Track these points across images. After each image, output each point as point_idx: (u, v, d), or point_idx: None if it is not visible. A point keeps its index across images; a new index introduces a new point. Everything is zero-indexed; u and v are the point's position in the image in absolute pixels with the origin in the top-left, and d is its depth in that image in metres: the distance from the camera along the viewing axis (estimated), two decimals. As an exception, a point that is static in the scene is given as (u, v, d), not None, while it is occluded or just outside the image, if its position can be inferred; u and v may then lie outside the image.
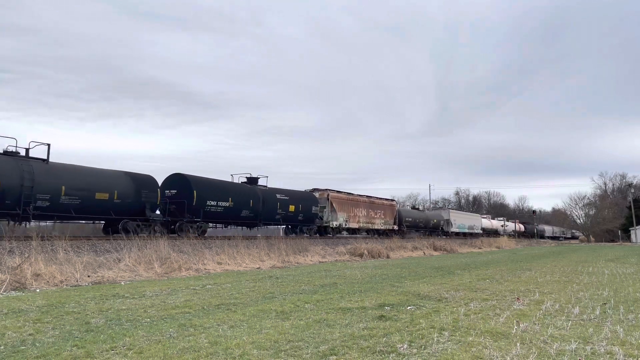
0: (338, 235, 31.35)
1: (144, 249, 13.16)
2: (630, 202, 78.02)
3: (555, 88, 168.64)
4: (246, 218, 23.18)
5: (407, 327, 5.26)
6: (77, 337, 4.80)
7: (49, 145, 15.50)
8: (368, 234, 34.57)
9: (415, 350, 4.23)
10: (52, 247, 12.02)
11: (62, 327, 5.29)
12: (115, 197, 16.94)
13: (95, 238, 15.60)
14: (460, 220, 53.21)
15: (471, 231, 54.94)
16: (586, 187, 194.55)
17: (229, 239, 19.12)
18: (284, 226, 27.99)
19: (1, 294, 8.17)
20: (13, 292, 8.51)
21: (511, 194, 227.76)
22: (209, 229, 22.73)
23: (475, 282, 10.15)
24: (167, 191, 20.27)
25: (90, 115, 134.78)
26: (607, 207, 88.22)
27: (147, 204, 18.19)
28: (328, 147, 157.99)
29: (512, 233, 70.05)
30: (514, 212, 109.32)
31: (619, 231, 79.29)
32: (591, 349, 4.36)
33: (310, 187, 31.26)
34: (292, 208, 25.95)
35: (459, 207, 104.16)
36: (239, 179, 25.08)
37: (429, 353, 4.15)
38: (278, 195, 25.31)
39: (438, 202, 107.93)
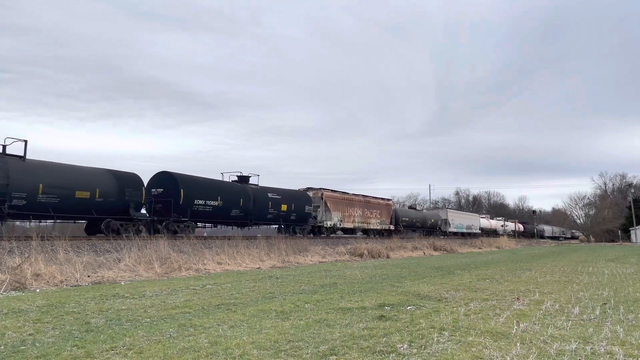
0: (332, 235, 30.70)
1: (144, 249, 13.16)
2: (630, 202, 78.03)
3: (555, 88, 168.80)
4: (236, 217, 22.62)
5: (407, 327, 5.26)
6: (77, 337, 4.80)
7: (25, 141, 14.99)
8: (364, 233, 34.16)
9: (415, 350, 4.23)
10: (52, 247, 12.03)
11: (62, 327, 5.30)
12: (97, 196, 16.33)
13: (96, 238, 15.59)
14: (458, 220, 52.93)
15: (469, 231, 54.66)
16: (586, 187, 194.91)
17: (229, 239, 19.12)
18: (277, 226, 27.38)
19: (1, 294, 8.17)
20: (13, 292, 8.51)
21: (511, 194, 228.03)
22: (197, 229, 22.17)
23: (475, 282, 10.15)
24: (154, 190, 19.68)
25: (90, 115, 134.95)
26: (607, 207, 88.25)
27: (131, 203, 17.62)
28: (328, 147, 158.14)
29: (511, 233, 69.92)
30: (514, 212, 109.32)
31: (619, 231, 79.29)
32: (591, 349, 4.36)
33: (307, 187, 30.71)
34: (284, 207, 25.37)
35: (459, 207, 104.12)
36: (230, 177, 24.50)
37: (429, 353, 4.15)
38: (270, 194, 24.75)
39: (438, 202, 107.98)
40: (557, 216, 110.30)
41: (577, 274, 12.71)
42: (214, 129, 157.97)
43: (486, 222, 63.70)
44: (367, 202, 34.95)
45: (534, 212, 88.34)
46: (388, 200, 39.23)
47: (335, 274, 12.42)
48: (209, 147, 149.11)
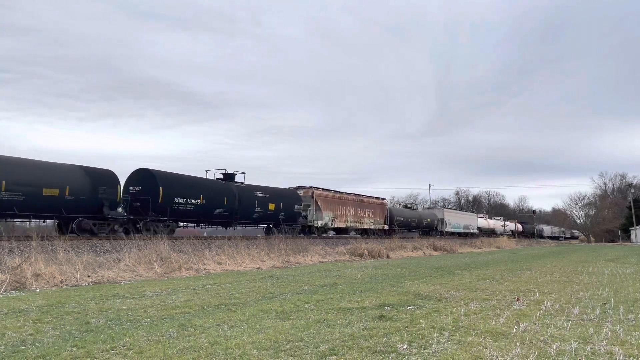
0: (324, 235, 29.76)
1: (144, 249, 13.17)
2: (630, 202, 78.06)
3: (555, 88, 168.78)
4: (220, 217, 21.74)
5: (407, 327, 5.26)
6: (77, 337, 4.80)
7: None
8: (357, 233, 33.35)
9: (415, 350, 4.23)
10: (52, 247, 12.03)
11: (62, 327, 5.30)
12: (67, 194, 15.43)
13: (96, 238, 15.57)
14: (456, 220, 52.40)
15: (467, 231, 54.17)
16: (586, 187, 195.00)
17: (229, 239, 19.11)
18: (265, 226, 26.46)
19: (1, 294, 8.17)
20: (13, 292, 8.51)
21: (511, 194, 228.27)
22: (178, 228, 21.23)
23: (475, 282, 10.16)
24: (132, 187, 18.94)
25: (90, 115, 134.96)
26: (607, 207, 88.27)
27: (105, 201, 16.71)
28: (328, 147, 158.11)
29: (510, 233, 69.77)
30: (514, 212, 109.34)
31: (619, 231, 79.31)
32: (591, 349, 4.37)
33: (297, 185, 29.79)
34: (272, 206, 24.43)
35: (459, 207, 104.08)
36: (215, 175, 23.61)
37: (429, 353, 4.15)
38: (256, 193, 23.84)
39: (438, 202, 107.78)
40: (557, 216, 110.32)
41: (577, 274, 12.71)
42: (214, 129, 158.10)
43: (484, 222, 63.35)
44: (360, 201, 34.10)
45: (534, 212, 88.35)
46: (382, 199, 38.21)
47: (335, 274, 12.43)
48: (209, 147, 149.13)
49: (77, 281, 9.97)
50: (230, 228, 23.56)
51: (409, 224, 41.33)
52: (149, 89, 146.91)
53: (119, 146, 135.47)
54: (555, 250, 37.39)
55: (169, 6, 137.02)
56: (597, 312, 6.32)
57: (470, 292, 8.37)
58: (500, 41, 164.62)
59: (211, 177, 23.31)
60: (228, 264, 14.67)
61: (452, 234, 49.67)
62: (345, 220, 31.90)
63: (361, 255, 21.33)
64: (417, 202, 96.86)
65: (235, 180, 23.87)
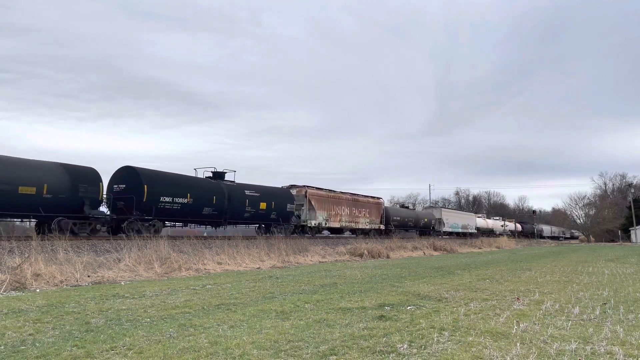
0: (318, 235, 29.03)
1: (144, 249, 13.17)
2: (630, 202, 78.07)
3: (555, 88, 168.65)
4: (209, 216, 21.12)
5: (407, 327, 5.26)
6: (77, 337, 4.80)
7: None
8: (352, 233, 32.77)
9: (415, 350, 4.23)
10: (52, 247, 12.03)
11: (62, 327, 5.30)
12: (45, 192, 14.79)
13: (96, 238, 15.57)
14: (453, 220, 51.92)
15: (465, 231, 53.77)
16: (586, 187, 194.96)
17: (229, 239, 19.11)
18: (256, 226, 25.87)
19: (1, 294, 8.17)
20: (13, 292, 8.51)
21: (511, 194, 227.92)
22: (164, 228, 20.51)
23: (475, 282, 10.16)
24: (116, 186, 18.34)
25: (90, 115, 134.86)
26: (607, 207, 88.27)
27: (86, 200, 16.10)
28: (328, 147, 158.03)
29: (510, 233, 69.70)
30: (514, 212, 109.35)
31: (619, 231, 79.32)
32: (591, 349, 4.37)
33: (290, 184, 29.11)
34: (263, 206, 23.71)
35: (459, 207, 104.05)
36: (204, 173, 22.98)
37: (429, 353, 4.15)
38: (247, 192, 23.13)
39: (438, 202, 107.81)
40: (557, 216, 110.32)
41: (577, 274, 12.71)
42: (214, 129, 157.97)
43: (482, 222, 62.90)
44: (355, 201, 33.38)
45: (534, 212, 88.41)
46: (378, 198, 37.38)
47: (335, 274, 12.43)
48: (209, 147, 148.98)
49: (77, 281, 9.97)
50: (220, 228, 23.00)
51: (405, 223, 40.81)
52: (149, 89, 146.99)
53: (119, 146, 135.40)
54: (555, 250, 37.39)
55: (168, 6, 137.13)
56: (597, 312, 6.32)
57: (470, 292, 8.37)
58: (500, 41, 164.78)
59: (200, 175, 22.80)
60: (228, 264, 14.68)
61: (449, 233, 49.26)
62: (340, 220, 31.28)
63: (361, 255, 21.34)
64: (417, 202, 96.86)
65: (225, 179, 23.25)
